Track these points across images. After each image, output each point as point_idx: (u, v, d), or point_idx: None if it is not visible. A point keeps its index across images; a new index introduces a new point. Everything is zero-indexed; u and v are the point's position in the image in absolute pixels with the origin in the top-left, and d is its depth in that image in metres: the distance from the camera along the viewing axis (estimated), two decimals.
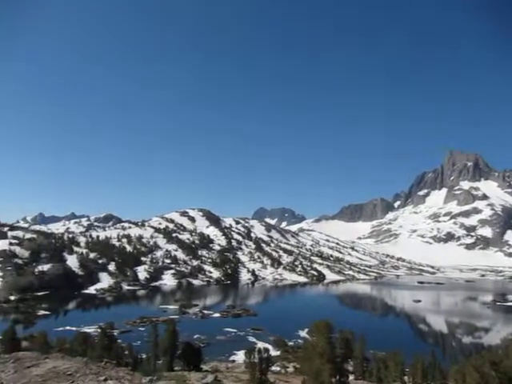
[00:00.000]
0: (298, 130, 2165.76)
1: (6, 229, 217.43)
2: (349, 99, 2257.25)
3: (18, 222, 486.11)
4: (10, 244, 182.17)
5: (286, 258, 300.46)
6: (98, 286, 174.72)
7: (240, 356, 72.55)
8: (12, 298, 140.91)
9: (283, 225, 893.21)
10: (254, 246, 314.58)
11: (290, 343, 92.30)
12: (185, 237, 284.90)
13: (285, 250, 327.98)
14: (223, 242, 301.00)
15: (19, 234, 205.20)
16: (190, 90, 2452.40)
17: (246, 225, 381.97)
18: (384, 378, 53.85)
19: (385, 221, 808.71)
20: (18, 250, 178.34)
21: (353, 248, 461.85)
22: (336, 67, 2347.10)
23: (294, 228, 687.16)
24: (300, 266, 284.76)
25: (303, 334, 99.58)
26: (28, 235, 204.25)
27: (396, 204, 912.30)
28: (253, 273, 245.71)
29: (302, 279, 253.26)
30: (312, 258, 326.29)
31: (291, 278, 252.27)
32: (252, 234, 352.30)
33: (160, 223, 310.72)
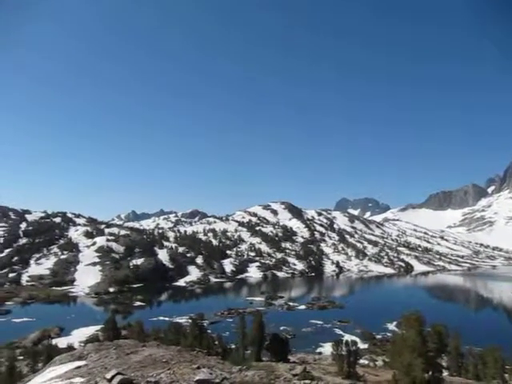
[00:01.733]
0: (379, 124, 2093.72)
1: (103, 226, 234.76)
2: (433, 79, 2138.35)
3: (113, 219, 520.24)
4: (107, 240, 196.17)
5: (370, 249, 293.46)
6: (187, 278, 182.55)
7: (327, 348, 72.34)
8: (111, 289, 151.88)
9: (367, 215, 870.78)
10: (337, 238, 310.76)
11: (378, 336, 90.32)
12: (268, 230, 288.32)
13: (369, 241, 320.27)
14: (306, 234, 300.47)
15: (115, 230, 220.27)
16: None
17: (329, 216, 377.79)
18: (482, 376, 50.65)
19: (477, 208, 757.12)
20: (114, 245, 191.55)
21: (442, 237, 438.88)
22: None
23: (378, 218, 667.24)
24: (386, 257, 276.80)
25: (391, 327, 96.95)
26: (123, 232, 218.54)
27: (490, 189, 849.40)
28: (337, 264, 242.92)
29: (389, 271, 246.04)
30: (398, 248, 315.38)
31: (377, 269, 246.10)
32: (335, 226, 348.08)
33: (243, 217, 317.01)
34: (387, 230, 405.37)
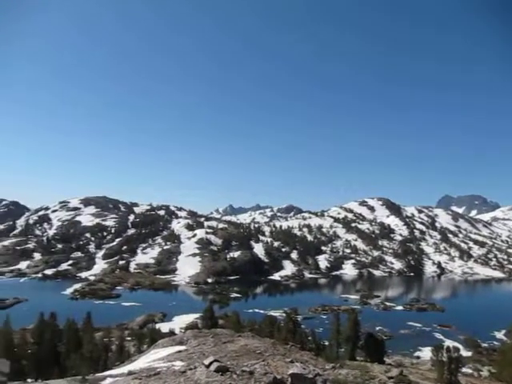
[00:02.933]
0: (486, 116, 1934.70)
1: (202, 219, 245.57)
2: None
3: (211, 213, 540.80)
4: (207, 233, 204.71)
5: (477, 251, 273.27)
6: (282, 272, 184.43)
7: (426, 353, 68.90)
8: (209, 280, 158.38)
9: (473, 213, 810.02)
10: (439, 237, 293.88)
11: (484, 344, 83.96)
12: (364, 226, 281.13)
13: (475, 242, 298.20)
14: (405, 231, 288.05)
15: (213, 224, 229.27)
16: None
17: (430, 214, 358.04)
18: None
19: None
20: (212, 238, 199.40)
21: None
22: None
23: (485, 217, 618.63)
24: (494, 259, 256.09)
25: (500, 335, 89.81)
26: (220, 225, 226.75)
27: None
28: (439, 265, 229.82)
29: (498, 274, 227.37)
30: (509, 250, 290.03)
31: (484, 272, 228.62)
32: (437, 224, 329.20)
33: (339, 213, 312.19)
34: (496, 230, 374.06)
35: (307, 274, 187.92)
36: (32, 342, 58.24)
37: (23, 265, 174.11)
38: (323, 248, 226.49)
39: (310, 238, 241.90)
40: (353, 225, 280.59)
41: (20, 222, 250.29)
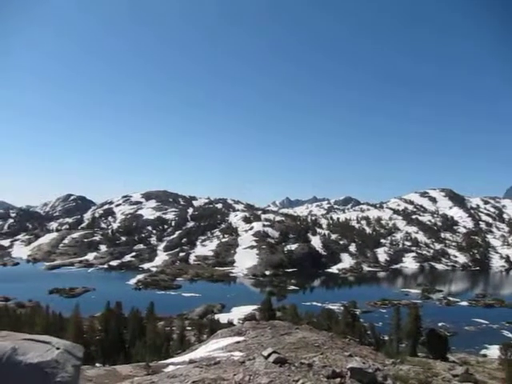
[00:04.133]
0: None
1: (259, 212, 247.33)
2: None
3: (268, 206, 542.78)
4: (264, 225, 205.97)
5: None
6: (340, 265, 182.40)
7: (493, 351, 65.64)
8: (267, 272, 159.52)
9: None
10: (507, 229, 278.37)
11: None
12: (425, 218, 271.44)
13: None
14: (469, 224, 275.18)
15: (270, 216, 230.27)
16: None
17: (497, 205, 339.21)
18: None
19: None
20: (270, 230, 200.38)
21: None
22: None
23: None
24: None
25: None
26: (277, 218, 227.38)
27: None
28: (507, 259, 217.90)
29: None
30: None
31: None
32: (504, 215, 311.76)
33: (398, 205, 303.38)
34: None
35: (366, 267, 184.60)
36: (99, 329, 61.33)
37: (90, 256, 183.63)
38: (382, 241, 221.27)
39: (368, 230, 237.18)
40: (413, 217, 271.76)
41: (87, 216, 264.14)
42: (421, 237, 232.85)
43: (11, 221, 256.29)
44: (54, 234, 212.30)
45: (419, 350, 50.94)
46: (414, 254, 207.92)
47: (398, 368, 21.65)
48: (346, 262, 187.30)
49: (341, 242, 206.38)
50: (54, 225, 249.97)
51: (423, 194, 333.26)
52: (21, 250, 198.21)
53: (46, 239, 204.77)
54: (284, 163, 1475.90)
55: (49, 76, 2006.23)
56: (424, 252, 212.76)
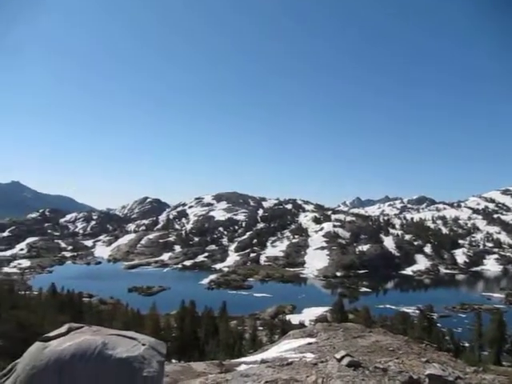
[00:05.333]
0: None
1: (329, 212, 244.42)
2: None
3: (338, 206, 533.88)
4: (334, 226, 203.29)
5: None
6: (415, 267, 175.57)
7: None
8: (338, 274, 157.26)
9: None
10: None
11: None
12: (509, 218, 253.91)
13: None
14: None
15: (341, 217, 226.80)
16: None
17: None
18: None
19: None
20: (340, 231, 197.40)
21: None
22: None
23: None
24: None
25: None
26: (348, 218, 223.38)
27: None
28: None
29: None
30: None
31: None
32: None
33: (478, 203, 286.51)
34: None
35: (443, 270, 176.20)
36: (175, 326, 63.69)
37: (165, 256, 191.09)
38: (460, 241, 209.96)
39: (444, 230, 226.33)
40: (495, 216, 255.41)
41: (162, 218, 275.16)
42: (504, 237, 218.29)
43: (93, 223, 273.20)
44: (132, 235, 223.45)
45: (504, 359, 47.85)
46: (496, 256, 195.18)
47: (481, 377, 20.41)
48: (421, 263, 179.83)
49: (415, 243, 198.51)
50: (131, 226, 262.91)
51: (505, 192, 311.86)
52: (102, 250, 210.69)
53: (124, 240, 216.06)
54: (355, 163, 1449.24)
55: (126, 82, 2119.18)
56: (508, 254, 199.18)
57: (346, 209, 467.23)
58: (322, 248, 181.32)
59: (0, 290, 66.47)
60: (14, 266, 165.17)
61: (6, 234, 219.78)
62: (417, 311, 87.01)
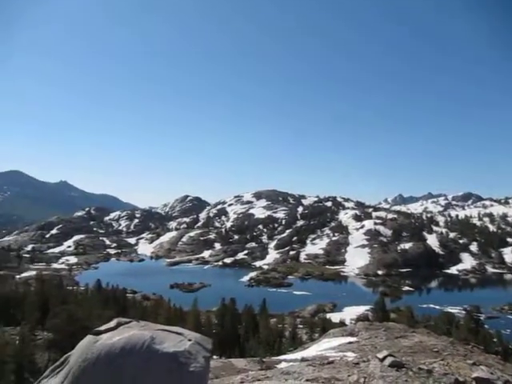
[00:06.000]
0: None
1: (370, 210, 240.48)
2: None
3: (380, 203, 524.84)
4: (375, 224, 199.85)
5: None
6: (460, 266, 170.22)
7: None
8: (379, 272, 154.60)
9: None
10: None
11: None
12: None
13: None
14: None
15: (382, 214, 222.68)
16: None
17: None
18: None
19: None
20: (381, 229, 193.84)
21: None
22: None
23: None
24: None
25: None
26: (390, 215, 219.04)
27: None
28: None
29: None
30: None
31: None
32: None
33: None
34: None
35: (490, 269, 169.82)
36: (216, 323, 64.47)
37: (206, 253, 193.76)
38: (509, 240, 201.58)
39: (492, 228, 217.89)
40: None
41: (202, 216, 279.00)
42: None
43: (136, 221, 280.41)
44: (174, 233, 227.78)
45: None
46: None
47: None
48: (467, 262, 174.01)
49: (460, 241, 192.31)
50: (173, 224, 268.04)
51: None
52: (145, 248, 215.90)
53: (166, 237, 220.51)
54: (397, 160, 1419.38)
55: (167, 82, 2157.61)
56: None
57: (387, 206, 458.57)
58: (363, 246, 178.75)
59: (50, 286, 69.29)
60: (63, 263, 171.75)
61: (54, 231, 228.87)
62: (462, 312, 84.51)
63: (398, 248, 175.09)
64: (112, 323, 6.59)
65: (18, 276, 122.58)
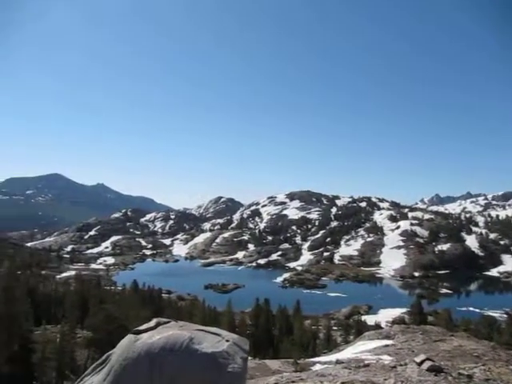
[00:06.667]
0: None
1: (406, 210, 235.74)
2: None
3: (416, 203, 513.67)
4: (411, 224, 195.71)
5: None
6: (501, 268, 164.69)
7: None
8: (416, 274, 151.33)
9: None
10: None
11: None
12: None
13: None
14: None
15: (418, 214, 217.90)
16: None
17: None
18: None
19: None
20: (418, 229, 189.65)
21: None
22: None
23: None
24: None
25: None
26: (426, 216, 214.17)
27: None
28: None
29: None
30: None
31: None
32: None
33: None
34: None
35: None
36: (250, 323, 64.71)
37: (240, 254, 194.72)
38: None
39: None
40: None
41: (236, 217, 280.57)
42: None
43: (171, 222, 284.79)
44: (208, 234, 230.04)
45: None
46: None
47: None
48: (509, 264, 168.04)
49: (501, 242, 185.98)
50: (207, 225, 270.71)
51: None
52: (180, 248, 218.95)
53: (200, 238, 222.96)
54: (433, 159, 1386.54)
55: (206, 86, 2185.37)
56: None
57: (423, 206, 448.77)
58: (399, 247, 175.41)
59: (89, 286, 71.26)
60: (100, 263, 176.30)
61: (92, 232, 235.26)
62: (504, 315, 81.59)
63: (436, 249, 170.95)
64: (152, 323, 6.77)
65: (58, 276, 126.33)
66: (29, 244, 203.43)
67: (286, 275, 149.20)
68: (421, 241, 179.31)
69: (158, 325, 6.64)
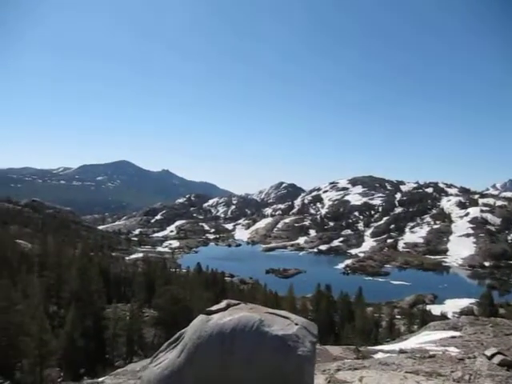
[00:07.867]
0: None
1: (476, 196, 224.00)
2: None
3: (487, 189, 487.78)
4: (482, 211, 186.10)
5: None
6: None
7: None
8: (486, 263, 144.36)
9: None
10: None
11: None
12: None
13: None
14: None
15: (490, 201, 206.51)
16: None
17: None
18: None
19: None
20: (489, 217, 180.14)
21: None
22: None
23: None
24: None
25: None
26: (499, 202, 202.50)
27: None
28: None
29: None
30: None
31: None
32: None
33: None
34: None
35: None
36: (311, 309, 64.87)
37: (301, 240, 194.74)
38: None
39: None
40: None
41: (297, 202, 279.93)
42: None
43: (233, 207, 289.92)
44: (269, 219, 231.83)
45: None
46: None
47: None
48: None
49: None
50: (268, 210, 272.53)
51: None
52: (241, 233, 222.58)
53: (262, 224, 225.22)
54: (506, 142, 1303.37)
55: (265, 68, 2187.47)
56: None
57: (496, 192, 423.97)
58: (468, 235, 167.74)
59: (156, 267, 74.38)
60: (166, 246, 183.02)
61: (158, 217, 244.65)
62: None
63: (509, 238, 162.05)
64: (222, 304, 7.10)
65: (127, 257, 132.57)
66: (100, 227, 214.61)
67: (348, 262, 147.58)
68: (492, 229, 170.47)
69: (228, 306, 6.94)
